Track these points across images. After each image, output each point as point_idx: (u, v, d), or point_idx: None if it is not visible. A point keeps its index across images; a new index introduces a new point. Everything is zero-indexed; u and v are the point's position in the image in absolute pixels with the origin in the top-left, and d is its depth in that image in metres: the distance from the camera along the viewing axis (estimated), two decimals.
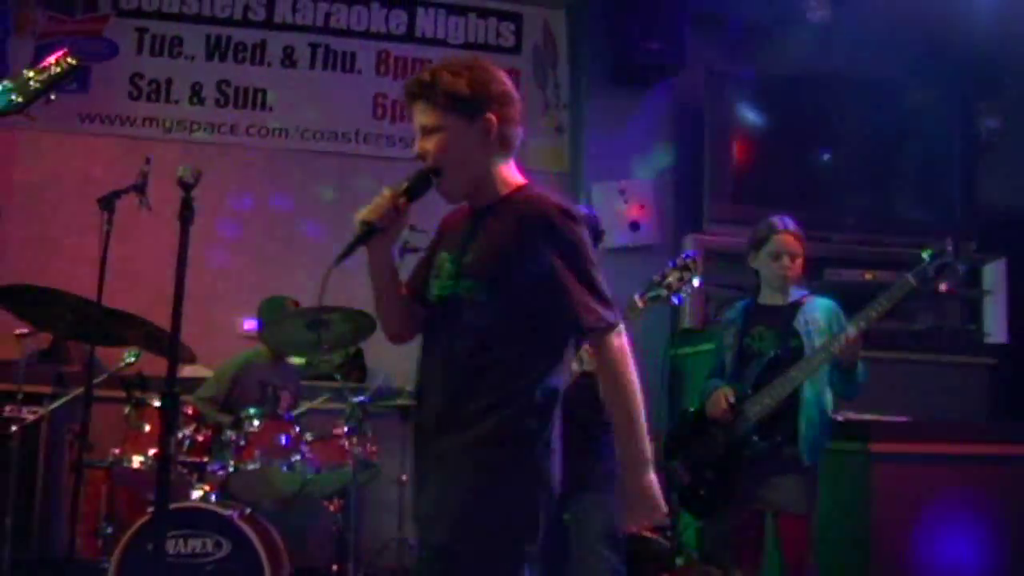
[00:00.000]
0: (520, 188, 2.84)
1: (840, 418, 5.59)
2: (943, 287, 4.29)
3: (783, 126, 7.44)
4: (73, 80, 2.96)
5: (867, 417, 5.40)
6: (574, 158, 7.55)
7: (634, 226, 7.25)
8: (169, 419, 2.46)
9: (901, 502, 5.11)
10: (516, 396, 2.67)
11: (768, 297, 4.70)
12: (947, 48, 7.42)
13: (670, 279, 3.98)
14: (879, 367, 4.46)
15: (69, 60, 2.85)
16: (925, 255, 4.27)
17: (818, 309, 4.59)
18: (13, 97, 2.80)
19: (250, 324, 6.56)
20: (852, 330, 4.25)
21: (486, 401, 2.65)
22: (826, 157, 7.55)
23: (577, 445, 4.14)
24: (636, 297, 4.01)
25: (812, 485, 4.47)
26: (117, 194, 4.63)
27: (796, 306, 4.62)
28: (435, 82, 2.71)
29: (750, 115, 7.44)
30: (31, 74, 2.81)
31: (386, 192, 2.71)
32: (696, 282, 3.97)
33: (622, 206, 7.26)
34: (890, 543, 5.07)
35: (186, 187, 2.59)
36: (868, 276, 7.11)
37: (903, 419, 5.49)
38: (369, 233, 2.69)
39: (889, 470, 5.16)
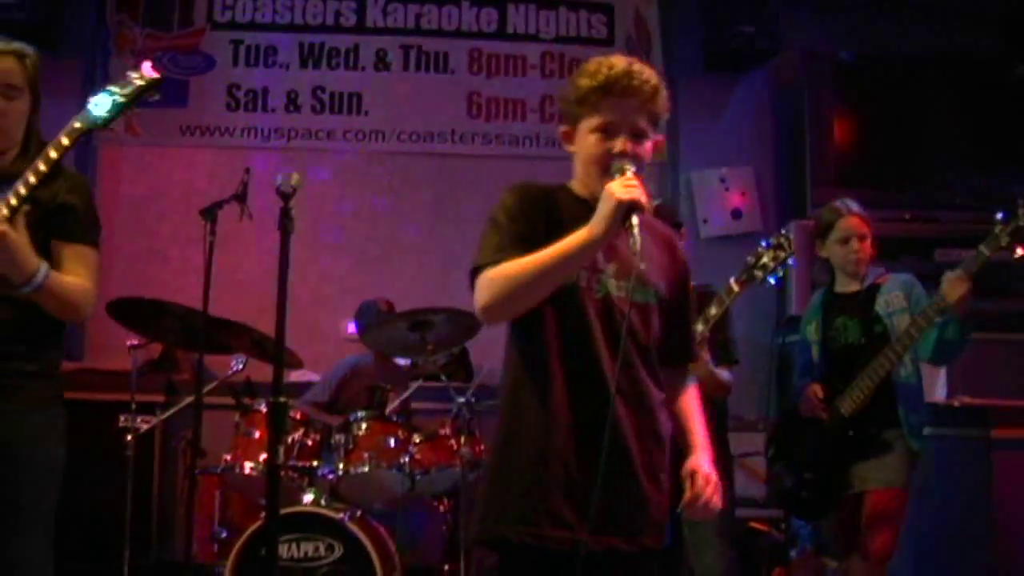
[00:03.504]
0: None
1: (956, 403, 5.44)
2: (1021, 252, 4.10)
3: (884, 106, 7.26)
4: (158, 92, 2.97)
5: (985, 402, 5.24)
6: (672, 147, 7.45)
7: (736, 214, 7.16)
8: (276, 428, 2.45)
9: (1022, 490, 4.95)
10: None
11: (843, 284, 4.59)
12: None
13: (764, 259, 3.88)
14: (990, 348, 4.31)
15: (152, 73, 2.89)
16: (997, 218, 4.15)
17: (896, 287, 4.47)
18: (98, 112, 2.87)
19: (351, 327, 6.61)
20: (946, 284, 4.11)
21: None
22: (929, 136, 7.33)
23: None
24: (732, 281, 3.93)
25: (909, 464, 4.34)
26: (219, 205, 4.70)
27: (873, 288, 4.50)
28: (661, 88, 2.67)
29: (850, 97, 7.28)
30: (115, 89, 2.86)
31: (630, 174, 2.54)
32: (791, 261, 3.87)
33: (723, 193, 7.16)
34: (1013, 533, 4.91)
35: (285, 197, 2.58)
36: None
37: (1022, 403, 5.31)
38: (632, 210, 2.47)
39: (1011, 457, 5.00)
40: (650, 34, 7.60)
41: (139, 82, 2.87)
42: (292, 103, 7.32)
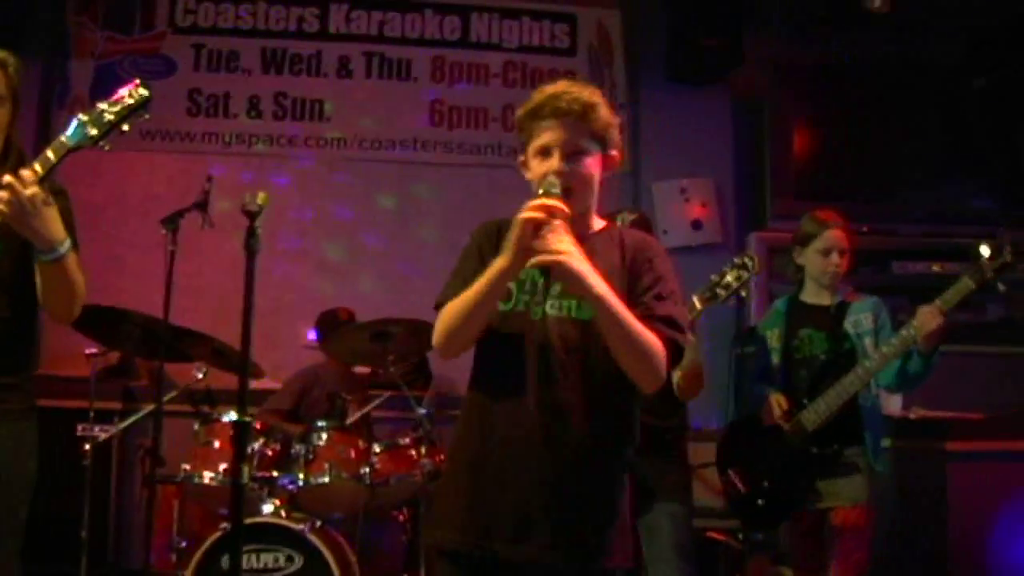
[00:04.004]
0: (611, 228, 2.89)
1: (912, 416, 5.51)
2: (1002, 288, 4.16)
3: (845, 118, 7.35)
4: (148, 111, 2.94)
5: (941, 414, 5.32)
6: (634, 158, 7.49)
7: (696, 225, 7.19)
8: (240, 445, 2.44)
9: (978, 501, 5.02)
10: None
11: (813, 295, 4.59)
12: (1012, 34, 7.28)
13: (728, 278, 3.92)
14: (944, 361, 4.37)
15: (142, 91, 2.86)
16: (983, 251, 4.14)
17: (866, 308, 4.50)
18: (88, 130, 2.82)
19: (311, 335, 6.59)
20: (920, 317, 4.14)
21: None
22: (889, 148, 7.41)
23: (645, 453, 4.13)
24: (694, 297, 3.96)
25: (872, 482, 4.36)
26: (180, 213, 4.69)
27: (844, 305, 4.53)
28: (596, 106, 2.73)
29: (809, 109, 7.36)
30: (104, 106, 2.83)
31: (555, 191, 2.58)
32: (753, 282, 3.91)
33: (684, 205, 7.20)
34: (967, 543, 4.99)
35: (251, 216, 2.56)
36: (936, 268, 7.01)
37: (977, 416, 5.39)
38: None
39: (965, 468, 5.08)
40: (612, 45, 7.63)
41: (129, 100, 2.85)
42: (254, 109, 7.28)
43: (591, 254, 2.61)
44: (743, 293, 3.89)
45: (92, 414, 5.18)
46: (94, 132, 2.83)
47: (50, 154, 2.82)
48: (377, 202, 7.31)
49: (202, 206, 4.88)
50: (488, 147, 7.36)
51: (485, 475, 2.64)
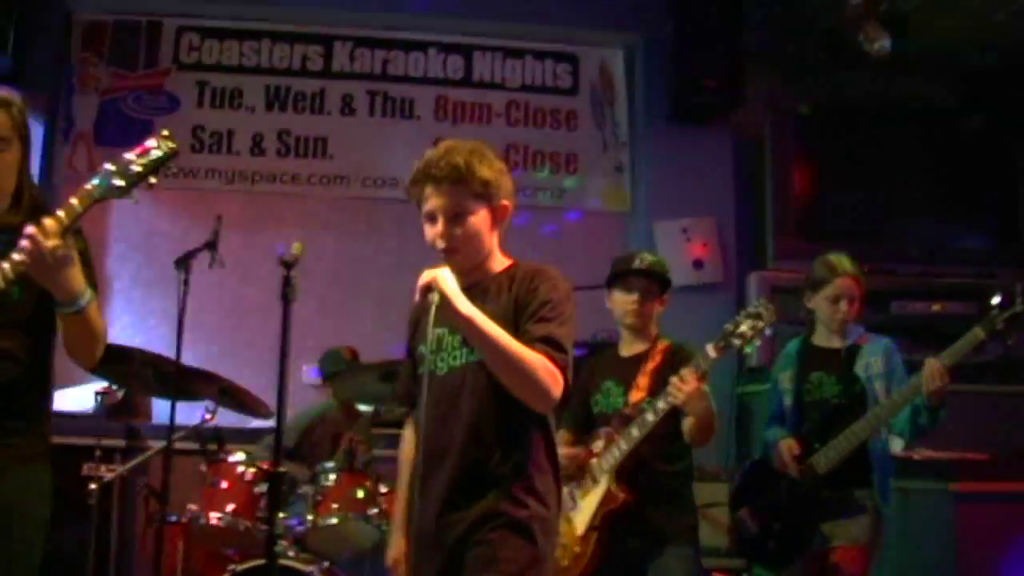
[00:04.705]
0: (515, 265, 3.10)
1: (917, 457, 5.52)
2: (1010, 341, 4.22)
3: (844, 160, 7.42)
4: (172, 163, 2.94)
5: (946, 455, 5.33)
6: (635, 197, 7.53)
7: (697, 264, 7.22)
8: (275, 499, 2.45)
9: (986, 543, 5.03)
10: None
11: (824, 339, 4.61)
12: (1005, 77, 7.37)
13: (743, 328, 3.91)
14: (948, 400, 4.40)
15: (170, 144, 2.84)
16: (995, 300, 4.18)
17: (877, 352, 4.52)
18: (115, 181, 2.78)
19: (312, 372, 6.57)
20: (927, 370, 4.16)
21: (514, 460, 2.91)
22: (888, 188, 7.47)
23: (654, 498, 4.14)
24: (709, 347, 3.96)
25: (878, 523, 4.39)
26: (192, 254, 4.68)
27: (855, 348, 4.54)
28: (472, 167, 2.92)
29: (810, 149, 7.41)
30: (132, 157, 2.80)
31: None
32: (769, 331, 3.91)
33: (685, 244, 7.23)
34: None
35: (287, 266, 2.57)
36: (936, 308, 7.05)
37: (983, 456, 5.41)
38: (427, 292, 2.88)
39: (973, 510, 5.09)
40: (614, 85, 7.71)
41: (157, 152, 2.81)
42: (257, 146, 7.31)
43: (484, 296, 2.94)
44: (757, 342, 3.89)
45: (99, 453, 5.14)
46: (121, 183, 2.79)
47: (75, 203, 2.79)
48: (379, 240, 7.32)
49: (212, 246, 4.89)
50: None
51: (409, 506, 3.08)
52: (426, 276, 2.85)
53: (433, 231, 2.96)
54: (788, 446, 4.42)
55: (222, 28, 7.41)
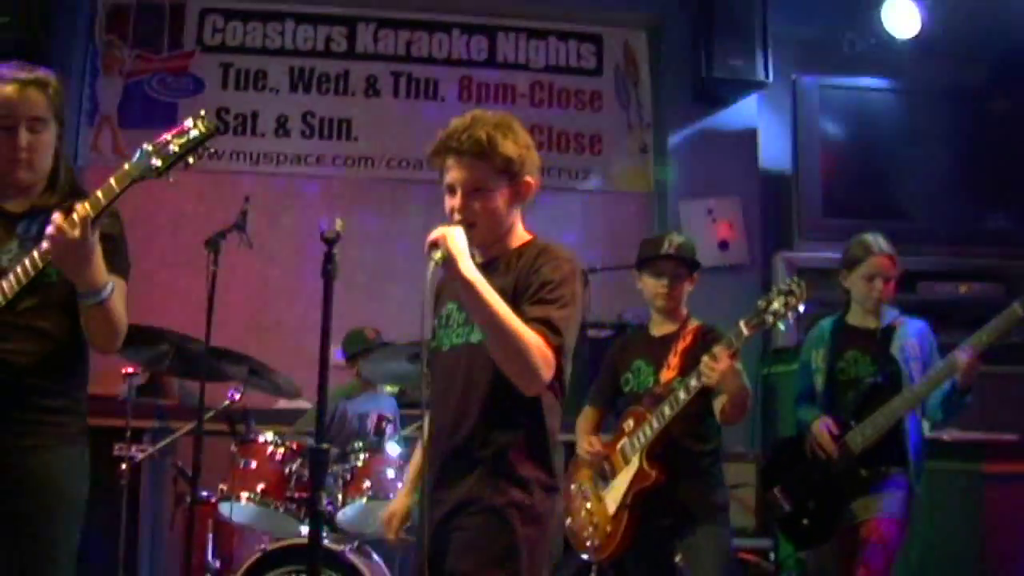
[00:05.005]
0: (531, 242, 3.03)
1: (947, 438, 5.50)
2: None
3: (871, 139, 7.35)
4: (210, 145, 2.92)
5: (976, 436, 5.31)
6: (660, 178, 7.50)
7: (723, 245, 7.19)
8: (317, 474, 2.46)
9: (1013, 523, 5.03)
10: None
11: (859, 318, 4.63)
12: None
13: (775, 305, 3.90)
14: (978, 381, 4.40)
15: (208, 123, 2.82)
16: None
17: (912, 334, 4.53)
18: (152, 161, 2.76)
19: (339, 354, 6.59)
20: (963, 356, 4.18)
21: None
22: (915, 168, 7.42)
23: (685, 477, 4.15)
24: (742, 324, 3.95)
25: (910, 500, 4.41)
26: (223, 234, 4.70)
27: (890, 330, 4.55)
28: (495, 142, 2.85)
29: (837, 129, 7.36)
30: (169, 137, 2.78)
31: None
32: (802, 308, 3.90)
33: (711, 225, 7.20)
34: (1004, 566, 4.99)
35: (329, 242, 2.58)
36: (963, 289, 7.03)
37: (1012, 438, 5.39)
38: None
39: (1001, 491, 5.08)
40: (638, 65, 7.68)
41: (195, 132, 2.77)
42: (281, 127, 7.31)
43: (495, 271, 2.88)
44: (790, 318, 3.88)
45: (129, 434, 5.16)
46: (158, 163, 2.76)
47: (113, 183, 2.79)
48: (404, 221, 7.31)
49: (241, 226, 4.91)
50: None
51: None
52: (436, 232, 2.77)
53: (451, 203, 2.92)
54: (827, 424, 4.42)
55: (246, 10, 7.40)
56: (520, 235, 3.03)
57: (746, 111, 7.45)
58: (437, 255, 2.73)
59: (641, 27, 7.71)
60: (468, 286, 2.70)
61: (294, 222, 7.12)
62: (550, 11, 7.62)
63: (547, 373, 2.73)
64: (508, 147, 2.86)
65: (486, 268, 2.86)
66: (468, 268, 2.72)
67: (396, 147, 7.34)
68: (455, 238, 2.73)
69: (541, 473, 2.85)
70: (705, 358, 3.91)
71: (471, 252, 2.77)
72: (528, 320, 2.74)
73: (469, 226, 2.84)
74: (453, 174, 2.90)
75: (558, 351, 2.75)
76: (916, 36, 7.04)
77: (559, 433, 2.96)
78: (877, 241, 4.54)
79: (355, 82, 7.42)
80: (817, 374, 4.64)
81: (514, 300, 2.79)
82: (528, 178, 2.94)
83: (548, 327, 2.74)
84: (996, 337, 4.19)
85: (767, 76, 7.08)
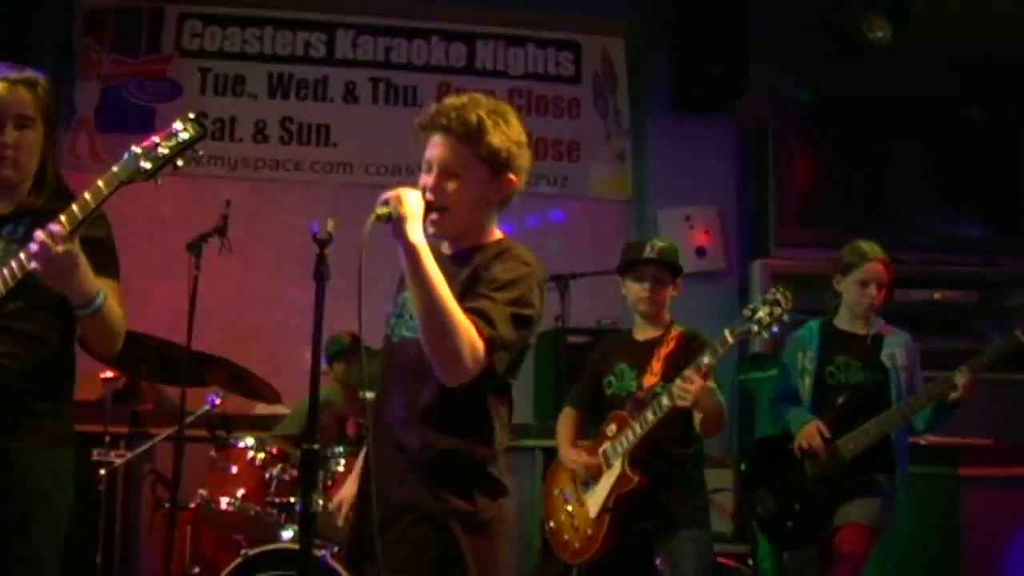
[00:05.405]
0: (500, 240, 2.87)
1: (923, 442, 5.55)
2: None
3: (847, 147, 7.42)
4: (201, 147, 2.89)
5: (952, 440, 5.36)
6: (638, 185, 7.53)
7: (700, 252, 7.22)
8: (309, 475, 2.45)
9: (991, 526, 5.08)
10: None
11: (848, 323, 4.67)
12: (1009, 67, 7.39)
13: (761, 314, 3.92)
14: None
15: (197, 126, 2.80)
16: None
17: (899, 343, 4.59)
18: (142, 164, 2.74)
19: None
20: (963, 377, 4.24)
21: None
22: (891, 176, 7.48)
23: (667, 481, 4.17)
24: (727, 332, 3.98)
25: (891, 507, 4.48)
26: (204, 238, 4.70)
27: (879, 337, 4.60)
28: (482, 129, 2.71)
29: (813, 137, 7.42)
30: (158, 140, 2.76)
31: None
32: (787, 318, 3.93)
33: (688, 232, 7.23)
34: (982, 569, 5.03)
35: (321, 244, 2.56)
36: (937, 296, 7.08)
37: (988, 442, 5.45)
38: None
39: (978, 494, 5.13)
40: (616, 73, 7.70)
41: (184, 135, 2.76)
42: (260, 133, 7.28)
43: (459, 266, 2.74)
44: (776, 328, 3.91)
45: (107, 439, 5.14)
46: (148, 166, 2.75)
47: (101, 185, 2.78)
48: (383, 228, 7.27)
49: (222, 231, 4.89)
50: None
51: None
52: (390, 192, 2.63)
53: (424, 180, 2.75)
54: (818, 427, 4.46)
55: (225, 15, 7.38)
56: (492, 234, 2.87)
57: (724, 119, 7.48)
58: (382, 210, 2.62)
59: (619, 35, 7.73)
60: (410, 251, 2.59)
61: (272, 228, 7.10)
62: (528, 18, 7.61)
63: (472, 364, 2.55)
64: (497, 137, 2.71)
65: (452, 261, 2.77)
66: (414, 232, 2.59)
67: (375, 153, 7.32)
68: (409, 200, 2.60)
69: (484, 479, 2.73)
70: (678, 381, 3.94)
71: (440, 242, 2.66)
72: (465, 311, 2.57)
73: (441, 210, 2.71)
74: (433, 150, 2.75)
75: (490, 343, 2.57)
76: (892, 45, 7.08)
77: (509, 439, 2.86)
78: (872, 247, 4.60)
79: (334, 88, 7.41)
80: (804, 375, 4.66)
81: (462, 296, 2.62)
82: (511, 175, 2.77)
83: (483, 318, 2.58)
84: (996, 361, 4.26)
85: (745, 84, 7.11)
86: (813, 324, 4.79)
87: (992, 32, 7.12)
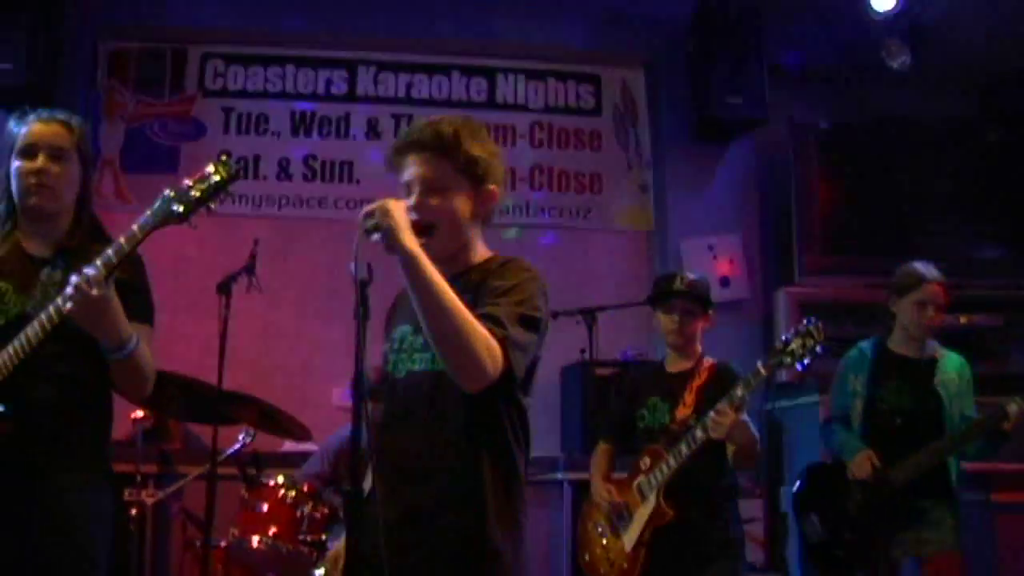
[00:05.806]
0: (492, 258, 2.81)
1: None
2: None
3: (868, 173, 7.40)
4: (229, 190, 2.91)
5: (985, 466, 5.32)
6: (660, 216, 7.54)
7: (724, 282, 7.21)
8: (353, 518, 2.43)
9: None
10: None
11: (901, 345, 4.65)
12: None
13: (793, 346, 3.95)
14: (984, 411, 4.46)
15: (229, 167, 2.83)
16: None
17: (952, 368, 4.56)
18: (174, 207, 2.78)
19: (344, 396, 6.58)
20: (1015, 408, 4.23)
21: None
22: (913, 201, 7.46)
23: (701, 513, 4.16)
24: (760, 365, 3.99)
25: (960, 528, 4.47)
26: (233, 278, 4.73)
27: (932, 362, 4.58)
28: (459, 139, 2.68)
29: (834, 164, 7.42)
30: (190, 182, 2.80)
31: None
32: (819, 350, 3.94)
33: (711, 261, 7.23)
34: None
35: (363, 285, 2.54)
36: (962, 320, 7.04)
37: (1020, 466, 5.40)
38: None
39: (1012, 520, 5.09)
40: (636, 105, 7.72)
41: (215, 177, 2.80)
42: (283, 171, 7.33)
43: (463, 289, 2.59)
44: (808, 360, 3.91)
45: (139, 478, 5.15)
46: (179, 208, 2.79)
47: (136, 230, 2.82)
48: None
49: (250, 270, 4.92)
50: (517, 207, 7.26)
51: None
52: (372, 205, 2.54)
53: (406, 203, 2.65)
54: (869, 456, 4.46)
55: (247, 55, 7.44)
56: (481, 252, 2.80)
57: (745, 148, 7.50)
58: (369, 223, 2.52)
59: (639, 66, 7.76)
60: (408, 259, 2.49)
61: (296, 265, 7.13)
62: (548, 52, 7.65)
63: (492, 368, 2.46)
64: (474, 147, 2.69)
65: (449, 286, 2.60)
66: (408, 240, 2.49)
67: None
68: (395, 210, 2.51)
69: (511, 536, 2.61)
70: (711, 413, 3.95)
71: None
72: (479, 315, 2.51)
73: (428, 227, 2.63)
74: (412, 169, 2.71)
75: (504, 342, 2.49)
76: (910, 69, 7.10)
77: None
78: (929, 269, 4.59)
79: (356, 125, 7.45)
80: (855, 398, 4.65)
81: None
82: (492, 186, 2.73)
83: (492, 321, 2.50)
84: None
85: (765, 113, 7.13)
86: (866, 345, 4.77)
87: (1009, 54, 7.13)
